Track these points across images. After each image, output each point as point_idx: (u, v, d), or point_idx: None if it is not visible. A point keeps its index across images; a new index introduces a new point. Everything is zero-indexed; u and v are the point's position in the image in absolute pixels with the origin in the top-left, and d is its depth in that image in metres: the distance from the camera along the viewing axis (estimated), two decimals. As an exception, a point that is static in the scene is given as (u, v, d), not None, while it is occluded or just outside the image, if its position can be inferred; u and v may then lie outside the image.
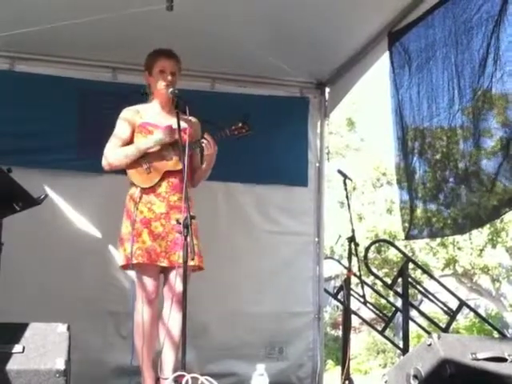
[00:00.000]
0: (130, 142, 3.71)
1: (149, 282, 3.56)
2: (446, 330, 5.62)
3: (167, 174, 3.63)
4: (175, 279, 3.35)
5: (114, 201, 4.63)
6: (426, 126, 4.18)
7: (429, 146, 4.23)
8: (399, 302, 5.73)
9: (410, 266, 5.90)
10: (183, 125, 3.53)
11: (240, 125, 3.68)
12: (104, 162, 3.73)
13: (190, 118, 3.65)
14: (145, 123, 3.70)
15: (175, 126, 3.50)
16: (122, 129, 3.72)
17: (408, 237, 4.55)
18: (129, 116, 3.73)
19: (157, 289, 3.59)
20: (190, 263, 3.34)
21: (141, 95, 3.80)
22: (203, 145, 3.62)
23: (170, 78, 3.69)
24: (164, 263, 3.52)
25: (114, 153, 3.69)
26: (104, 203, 4.91)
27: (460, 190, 3.92)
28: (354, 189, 16.62)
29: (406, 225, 4.45)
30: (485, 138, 3.67)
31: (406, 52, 4.37)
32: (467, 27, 3.75)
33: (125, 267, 3.63)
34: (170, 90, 3.61)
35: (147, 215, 3.57)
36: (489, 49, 3.57)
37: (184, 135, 3.44)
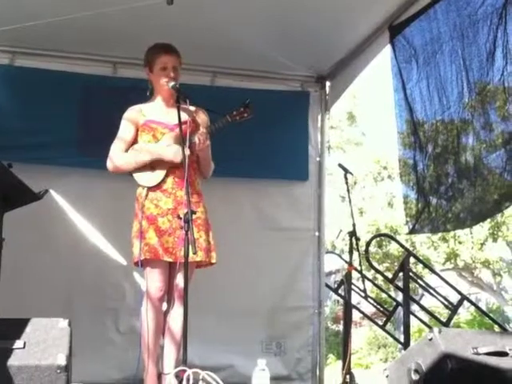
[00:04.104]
0: (134, 142, 3.69)
1: (156, 278, 3.54)
2: (446, 324, 5.61)
3: (172, 170, 3.60)
4: (178, 275, 3.39)
5: (116, 198, 4.67)
6: (438, 119, 4.14)
7: (434, 140, 4.20)
8: (400, 297, 5.73)
9: (411, 260, 5.89)
10: (184, 117, 3.52)
11: (242, 109, 3.62)
12: (109, 165, 3.69)
13: (193, 107, 3.65)
14: (148, 121, 3.68)
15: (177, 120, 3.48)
16: (125, 130, 3.70)
17: (411, 231, 4.53)
18: (132, 116, 3.71)
19: (165, 285, 3.56)
20: (196, 259, 3.40)
21: (141, 90, 3.77)
22: (196, 141, 3.55)
23: (172, 73, 3.65)
24: (170, 259, 3.51)
25: (121, 157, 3.66)
26: (106, 200, 4.92)
27: (463, 185, 3.91)
28: (355, 183, 16.65)
29: (409, 219, 4.44)
30: (492, 132, 3.66)
31: (410, 45, 4.33)
32: (472, 20, 3.72)
33: (136, 265, 3.62)
34: (171, 84, 3.58)
35: (153, 211, 3.55)
36: (496, 42, 3.55)
37: (185, 127, 3.43)
